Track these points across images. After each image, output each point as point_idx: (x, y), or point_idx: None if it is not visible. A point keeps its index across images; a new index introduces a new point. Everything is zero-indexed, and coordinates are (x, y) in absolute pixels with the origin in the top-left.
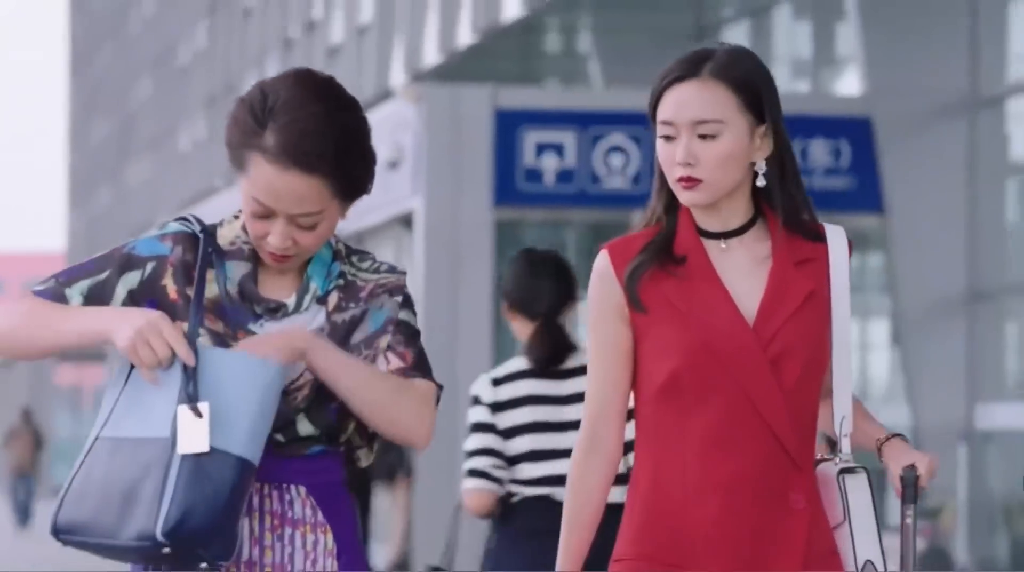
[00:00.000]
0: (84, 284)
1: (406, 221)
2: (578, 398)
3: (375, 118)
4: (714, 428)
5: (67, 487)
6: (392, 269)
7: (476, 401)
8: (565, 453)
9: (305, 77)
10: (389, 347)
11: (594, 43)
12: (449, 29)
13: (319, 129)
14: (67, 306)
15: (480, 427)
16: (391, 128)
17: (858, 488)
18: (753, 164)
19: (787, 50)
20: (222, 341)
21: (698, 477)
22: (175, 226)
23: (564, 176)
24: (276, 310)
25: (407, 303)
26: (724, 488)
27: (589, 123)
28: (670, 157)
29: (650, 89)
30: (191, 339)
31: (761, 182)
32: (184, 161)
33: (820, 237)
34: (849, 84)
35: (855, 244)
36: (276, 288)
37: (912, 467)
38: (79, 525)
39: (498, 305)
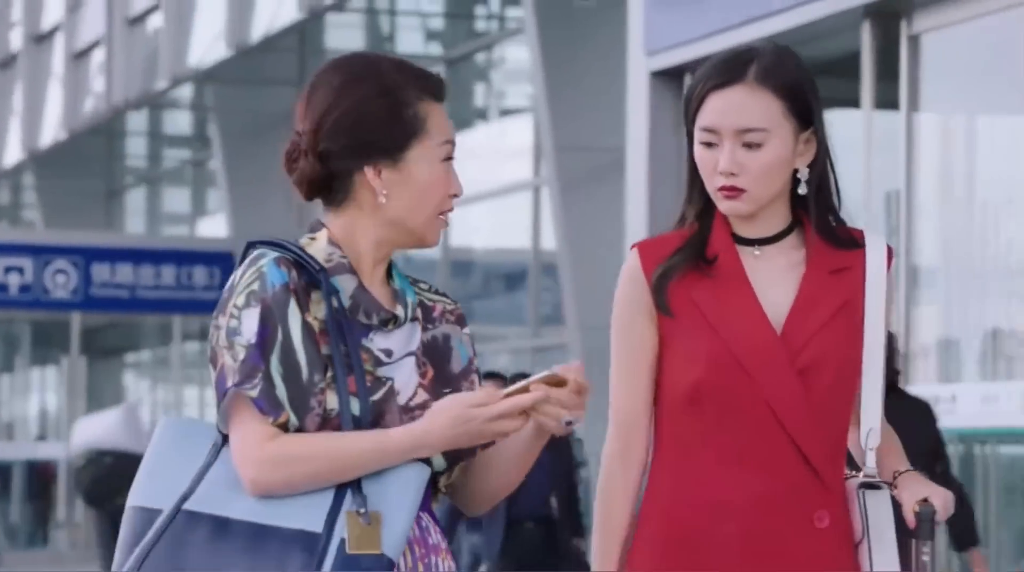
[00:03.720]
0: (276, 362)
1: None
2: None
3: None
4: (738, 442)
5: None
6: (442, 293)
7: None
8: None
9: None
10: None
11: (36, 198)
12: None
13: None
14: (349, 436)
15: None
16: None
17: (879, 504)
18: (796, 171)
19: (171, 205)
20: (341, 364)
21: (720, 494)
22: (276, 252)
23: (24, 289)
24: (386, 322)
25: (472, 342)
26: (747, 506)
27: (41, 253)
28: (711, 165)
29: (687, 95)
30: (355, 396)
31: (803, 190)
32: None
33: (858, 244)
34: (219, 229)
35: None
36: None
37: (927, 502)
38: None
39: None
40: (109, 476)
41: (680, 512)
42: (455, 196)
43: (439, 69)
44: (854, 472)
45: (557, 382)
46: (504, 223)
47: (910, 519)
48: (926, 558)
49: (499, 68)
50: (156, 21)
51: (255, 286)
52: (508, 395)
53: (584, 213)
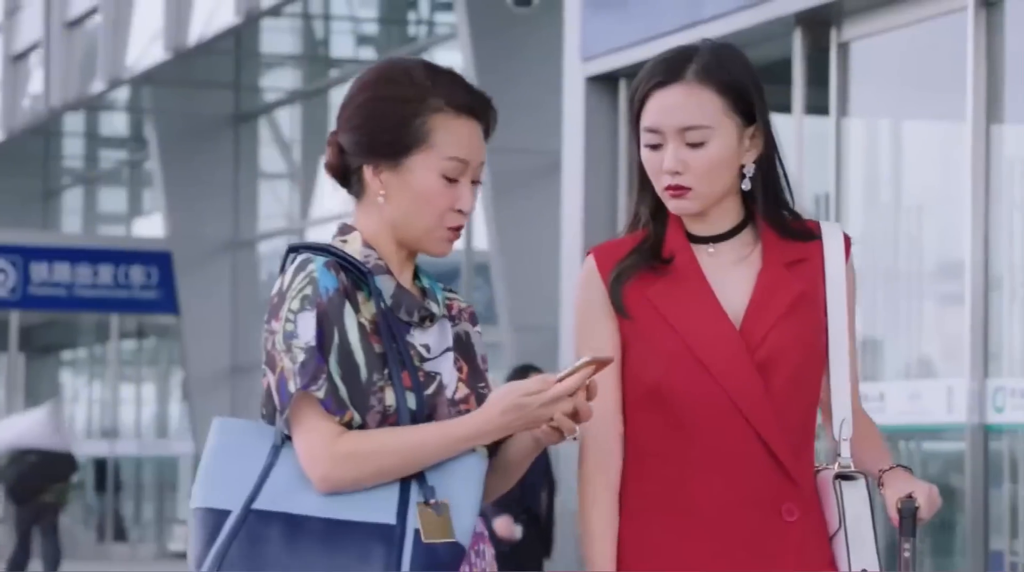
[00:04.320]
0: (335, 363)
1: None
2: None
3: None
4: (702, 437)
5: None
6: (455, 292)
7: None
8: None
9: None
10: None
11: None
12: None
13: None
14: (412, 429)
15: None
16: None
17: (855, 495)
18: (742, 166)
19: (107, 206)
20: (395, 361)
21: (687, 490)
22: (323, 257)
23: None
24: (424, 319)
25: (481, 340)
26: (714, 502)
27: None
28: (656, 165)
29: (631, 95)
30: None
31: (746, 185)
32: None
33: (814, 236)
34: (156, 229)
35: (200, 333)
36: None
37: (911, 498)
38: None
39: None
40: (33, 474)
41: (648, 511)
42: (461, 212)
43: None
44: (827, 464)
45: (601, 364)
46: None
47: (893, 516)
48: (907, 554)
49: None
50: (94, 24)
51: (308, 291)
52: (559, 380)
53: (516, 214)
